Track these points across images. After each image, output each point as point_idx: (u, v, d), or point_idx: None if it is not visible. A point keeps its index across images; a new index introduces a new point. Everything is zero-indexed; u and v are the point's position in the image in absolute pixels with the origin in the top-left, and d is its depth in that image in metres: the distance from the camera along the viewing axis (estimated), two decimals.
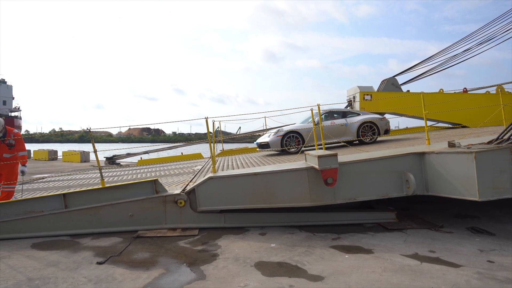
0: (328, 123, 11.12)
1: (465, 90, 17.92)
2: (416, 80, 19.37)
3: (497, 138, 5.70)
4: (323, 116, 11.29)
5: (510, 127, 5.77)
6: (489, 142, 5.69)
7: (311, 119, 11.01)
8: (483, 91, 17.88)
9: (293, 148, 10.73)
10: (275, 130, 11.47)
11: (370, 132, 11.08)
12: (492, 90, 17.70)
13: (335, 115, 11.57)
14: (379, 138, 11.71)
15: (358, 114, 11.50)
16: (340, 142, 10.89)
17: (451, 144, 5.80)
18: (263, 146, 11.21)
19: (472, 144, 5.74)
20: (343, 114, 11.64)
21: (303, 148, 10.68)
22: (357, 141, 11.15)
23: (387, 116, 18.26)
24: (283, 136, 10.78)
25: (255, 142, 12.38)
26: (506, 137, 5.60)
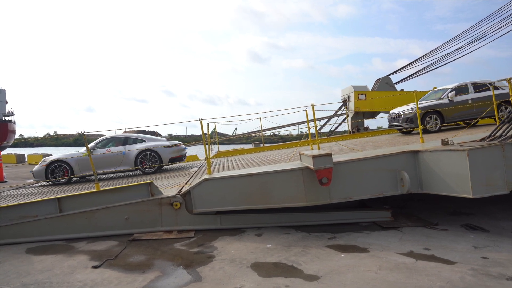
0: (103, 151, 10.49)
1: None
2: (411, 78, 19.52)
3: (490, 135, 5.75)
4: (101, 143, 10.81)
5: (502, 124, 5.82)
6: (482, 140, 5.74)
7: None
8: None
9: (63, 179, 10.05)
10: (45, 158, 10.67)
11: (152, 161, 10.44)
12: None
13: (115, 142, 10.93)
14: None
15: (143, 141, 10.82)
16: (117, 172, 10.40)
17: (445, 142, 5.85)
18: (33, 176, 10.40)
19: (465, 142, 5.78)
20: (124, 141, 10.92)
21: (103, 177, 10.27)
22: (138, 171, 10.53)
23: (382, 115, 18.38)
24: (48, 165, 10.09)
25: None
26: (498, 134, 5.65)
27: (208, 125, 8.21)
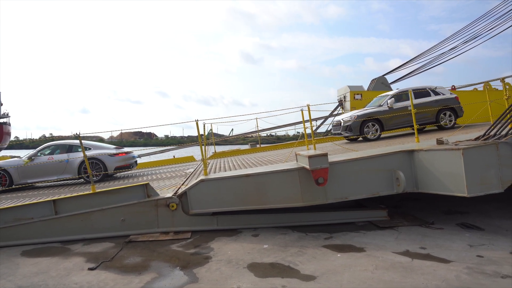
0: (45, 158, 10.00)
1: (453, 88, 18.16)
2: (406, 78, 19.63)
3: (484, 135, 5.78)
4: (45, 150, 10.33)
5: (496, 123, 5.86)
6: (476, 139, 5.77)
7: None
8: (470, 88, 18.16)
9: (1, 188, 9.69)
10: None
11: (97, 169, 9.98)
12: (480, 87, 17.99)
13: (60, 149, 10.40)
14: None
15: (88, 149, 10.25)
16: (59, 180, 10.07)
17: (440, 141, 5.88)
18: None
19: (460, 141, 5.82)
20: (68, 148, 10.36)
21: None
22: (82, 179, 10.13)
23: None
24: None
25: None
26: (492, 133, 5.69)
27: (204, 126, 8.18)
